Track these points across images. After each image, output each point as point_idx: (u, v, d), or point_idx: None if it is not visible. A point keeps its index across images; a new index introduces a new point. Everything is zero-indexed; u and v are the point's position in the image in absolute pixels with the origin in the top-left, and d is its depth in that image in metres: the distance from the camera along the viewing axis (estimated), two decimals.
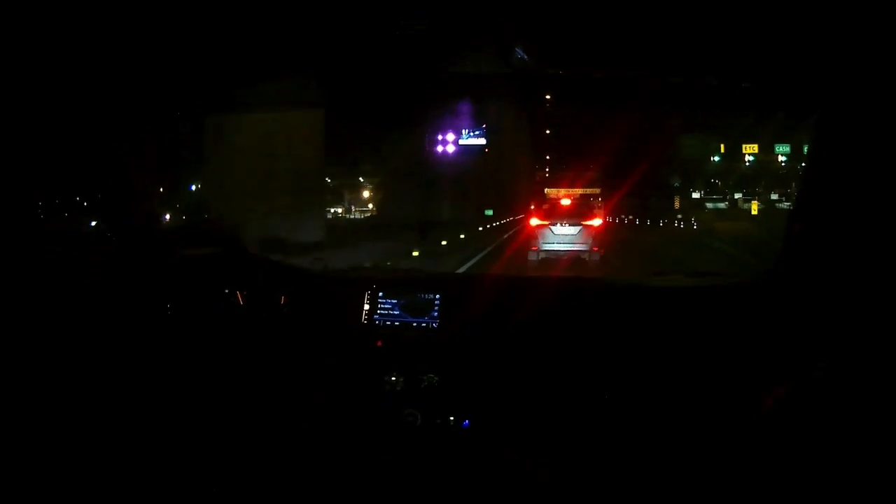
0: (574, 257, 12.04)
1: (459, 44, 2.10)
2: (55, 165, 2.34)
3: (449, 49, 2.15)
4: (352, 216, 28.16)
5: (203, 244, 2.68)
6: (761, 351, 1.99)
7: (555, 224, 12.41)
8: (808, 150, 1.90)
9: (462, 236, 16.41)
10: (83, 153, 2.38)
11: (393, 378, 2.29)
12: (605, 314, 2.34)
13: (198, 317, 2.51)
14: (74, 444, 1.96)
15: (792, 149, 15.75)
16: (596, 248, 12.24)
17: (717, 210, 26.82)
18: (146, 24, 1.89)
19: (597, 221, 12.79)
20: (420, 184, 16.71)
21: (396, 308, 2.47)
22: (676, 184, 27.09)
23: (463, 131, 3.95)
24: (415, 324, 2.43)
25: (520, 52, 2.05)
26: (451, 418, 2.23)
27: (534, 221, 13.07)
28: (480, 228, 19.06)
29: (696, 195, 27.55)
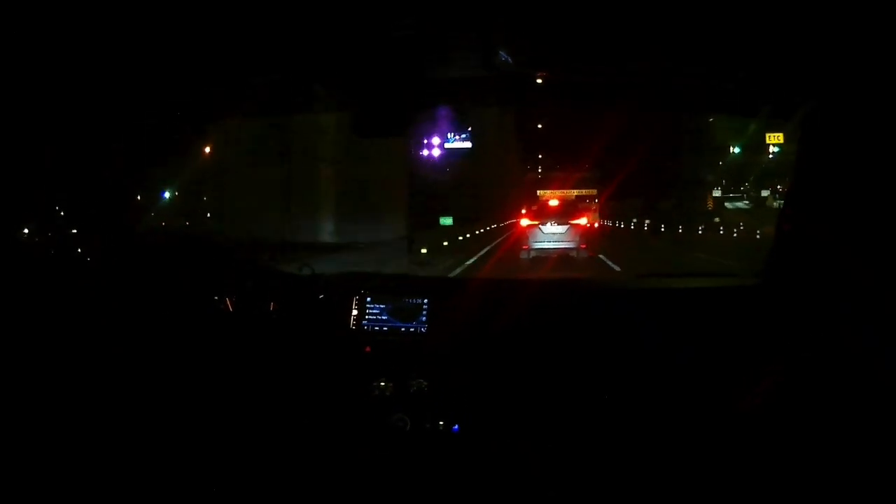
0: (563, 254, 12.56)
1: (444, 47, 2.09)
2: (43, 170, 2.31)
3: (434, 52, 2.14)
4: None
5: (193, 251, 2.66)
6: (751, 349, 2.00)
7: (544, 223, 13.11)
8: (797, 149, 1.91)
9: None
10: (76, 157, 2.36)
11: (382, 383, 2.29)
12: (594, 316, 2.34)
13: (188, 323, 2.49)
14: (63, 448, 1.94)
15: None
16: (584, 246, 12.87)
17: (742, 210, 21.93)
18: (126, 31, 1.87)
19: (583, 220, 13.54)
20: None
21: (384, 313, 2.46)
22: (709, 176, 21.82)
23: (448, 134, 3.93)
24: (403, 329, 2.42)
25: (504, 55, 2.04)
26: (441, 423, 2.22)
27: (524, 222, 13.81)
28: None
29: (716, 193, 22.66)
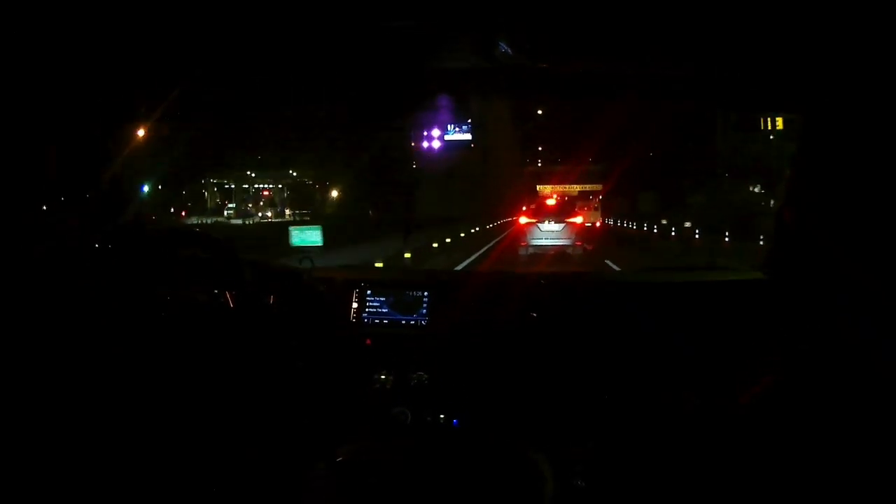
0: (560, 251, 13.35)
1: (444, 38, 2.07)
2: (43, 160, 2.30)
3: (433, 44, 2.13)
4: None
5: (191, 245, 2.65)
6: (753, 343, 2.00)
7: (542, 221, 13.97)
8: (797, 144, 1.91)
9: None
10: (76, 148, 2.35)
11: (382, 376, 2.29)
12: (596, 309, 2.33)
13: (187, 318, 2.49)
14: (62, 448, 1.93)
15: None
16: (579, 243, 13.72)
17: None
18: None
19: (579, 219, 14.41)
20: None
21: (385, 306, 2.45)
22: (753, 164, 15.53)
23: (449, 126, 3.91)
24: (404, 322, 2.42)
25: (503, 46, 2.02)
26: (441, 416, 2.22)
27: (523, 220, 14.69)
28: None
29: (755, 188, 17.42)
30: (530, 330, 2.29)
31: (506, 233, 19.08)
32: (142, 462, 2.04)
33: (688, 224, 16.21)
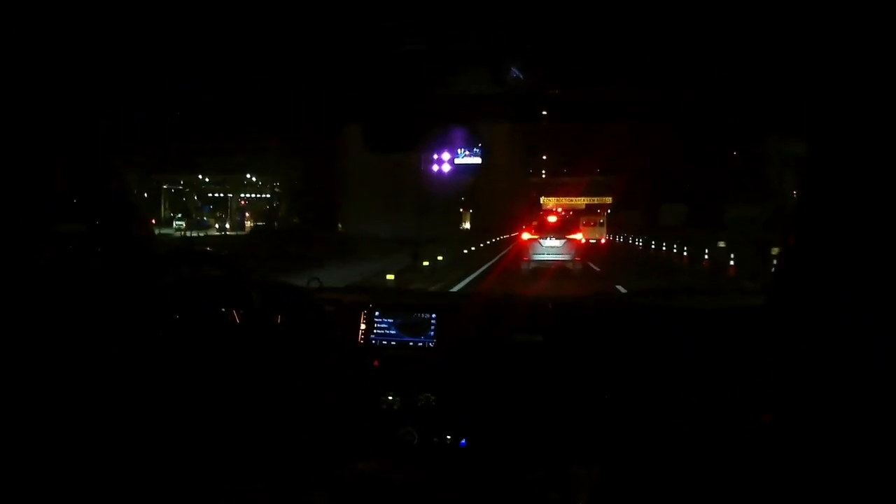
0: (560, 265, 14.28)
1: (455, 63, 2.11)
2: (48, 171, 2.32)
3: (444, 69, 2.16)
4: None
5: (199, 263, 2.66)
6: (758, 370, 1.99)
7: (544, 238, 14.78)
8: (807, 162, 1.91)
9: None
10: (86, 159, 2.38)
11: (390, 397, 2.29)
12: (603, 332, 2.33)
13: (194, 336, 2.49)
14: (63, 452, 1.93)
15: None
16: (578, 259, 14.71)
17: None
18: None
19: (579, 235, 15.36)
20: None
21: (393, 328, 2.46)
22: None
23: (459, 150, 3.94)
24: (411, 343, 2.43)
25: (515, 72, 2.06)
26: (448, 437, 2.22)
27: (525, 236, 15.54)
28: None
29: None
30: (537, 352, 2.30)
31: (507, 249, 19.83)
32: (146, 477, 2.04)
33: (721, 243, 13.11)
